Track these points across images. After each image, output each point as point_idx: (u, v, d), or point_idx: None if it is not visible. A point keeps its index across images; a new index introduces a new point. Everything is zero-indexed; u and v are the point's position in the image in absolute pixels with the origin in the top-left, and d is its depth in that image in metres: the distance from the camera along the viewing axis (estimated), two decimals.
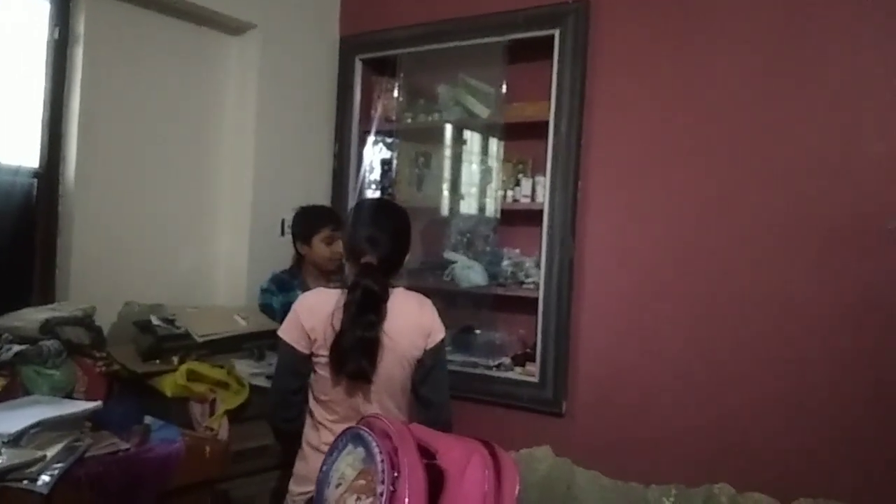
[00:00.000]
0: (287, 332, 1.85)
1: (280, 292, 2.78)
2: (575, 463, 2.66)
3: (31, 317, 2.17)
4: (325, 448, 1.68)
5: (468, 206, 3.14)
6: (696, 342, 2.49)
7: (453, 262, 2.98)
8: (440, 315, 1.93)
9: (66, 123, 2.54)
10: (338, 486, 1.50)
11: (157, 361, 2.35)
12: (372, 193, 3.30)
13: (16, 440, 1.74)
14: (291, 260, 2.93)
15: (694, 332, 2.49)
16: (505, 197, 2.95)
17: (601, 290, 2.68)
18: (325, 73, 3.28)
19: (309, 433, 1.89)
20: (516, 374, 2.81)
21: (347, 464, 1.52)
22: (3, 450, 1.70)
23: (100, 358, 2.25)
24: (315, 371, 1.85)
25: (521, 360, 2.83)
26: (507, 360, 2.87)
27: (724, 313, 2.45)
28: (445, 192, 3.18)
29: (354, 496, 1.44)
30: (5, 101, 2.44)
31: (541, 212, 2.74)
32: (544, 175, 2.75)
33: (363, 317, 1.76)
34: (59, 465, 1.74)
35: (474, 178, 3.14)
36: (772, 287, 2.37)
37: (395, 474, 1.40)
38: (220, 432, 2.23)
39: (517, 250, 2.95)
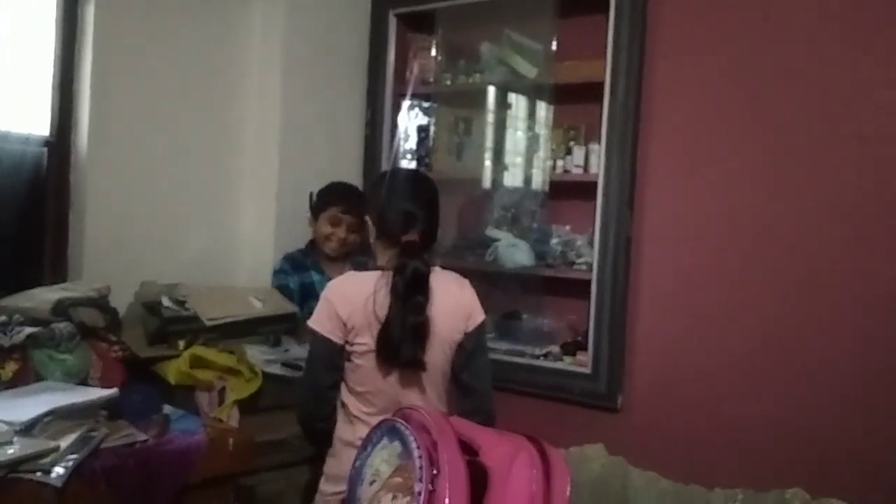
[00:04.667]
0: (320, 322, 1.85)
1: (294, 272, 2.82)
2: (630, 462, 2.65)
3: (43, 297, 2.22)
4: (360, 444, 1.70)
5: (513, 178, 3.12)
6: (767, 330, 2.44)
7: (496, 241, 2.96)
8: (481, 299, 1.94)
9: (77, 88, 2.58)
10: (372, 483, 1.51)
11: (166, 346, 2.39)
12: (407, 163, 3.30)
13: (28, 429, 1.78)
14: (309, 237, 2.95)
15: (764, 318, 2.45)
16: (554, 167, 2.92)
17: (661, 272, 2.65)
18: (356, 30, 3.27)
19: (342, 428, 1.90)
20: (566, 364, 2.80)
21: (382, 459, 1.53)
22: (16, 439, 1.75)
23: (115, 342, 2.29)
24: (350, 360, 1.87)
25: (572, 348, 2.81)
26: (555, 349, 2.86)
27: (798, 299, 2.40)
28: (488, 163, 3.16)
29: (390, 495, 1.44)
30: (14, 64, 2.48)
31: (594, 184, 2.71)
32: (598, 143, 2.71)
33: (412, 300, 1.77)
34: (74, 456, 1.78)
35: (520, 146, 3.12)
36: (852, 270, 2.32)
37: (435, 472, 1.40)
38: (230, 424, 2.25)
39: (567, 227, 2.93)
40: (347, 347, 1.85)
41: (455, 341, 1.88)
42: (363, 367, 1.85)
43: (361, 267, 2.19)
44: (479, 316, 1.92)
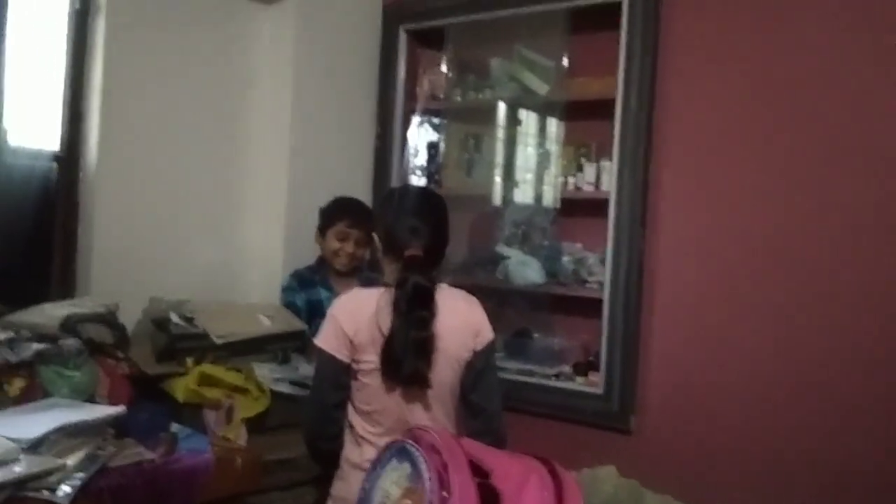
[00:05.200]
0: (326, 340, 1.85)
1: (302, 289, 2.83)
2: (644, 485, 2.62)
3: (51, 313, 2.22)
4: (368, 466, 1.68)
5: (523, 195, 3.12)
6: (783, 349, 2.43)
7: (506, 258, 2.96)
8: (490, 317, 1.94)
9: (86, 102, 2.60)
10: None
11: (174, 363, 2.39)
12: (417, 179, 3.31)
13: (35, 446, 1.78)
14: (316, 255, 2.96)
15: (780, 337, 2.44)
16: (565, 184, 2.92)
17: (675, 291, 2.64)
18: (367, 45, 3.29)
19: (349, 450, 1.90)
20: (578, 384, 2.79)
21: (392, 481, 1.52)
22: (22, 456, 1.74)
23: (123, 359, 2.29)
24: (357, 379, 1.86)
25: (584, 369, 2.81)
26: (567, 369, 2.85)
27: (813, 316, 2.39)
28: (498, 179, 3.16)
29: None
30: (24, 79, 2.50)
31: (606, 201, 2.71)
32: (610, 160, 2.71)
33: (414, 314, 1.77)
34: (81, 475, 1.78)
35: (531, 163, 3.12)
36: (871, 284, 2.31)
37: (445, 494, 1.40)
38: (238, 442, 2.24)
39: (579, 245, 2.93)
40: (354, 365, 1.85)
41: (463, 359, 1.87)
42: (369, 385, 1.84)
43: (369, 283, 2.19)
44: (489, 334, 1.91)
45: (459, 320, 1.87)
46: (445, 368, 1.84)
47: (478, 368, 1.89)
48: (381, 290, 1.85)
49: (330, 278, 2.84)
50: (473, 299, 1.95)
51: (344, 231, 2.77)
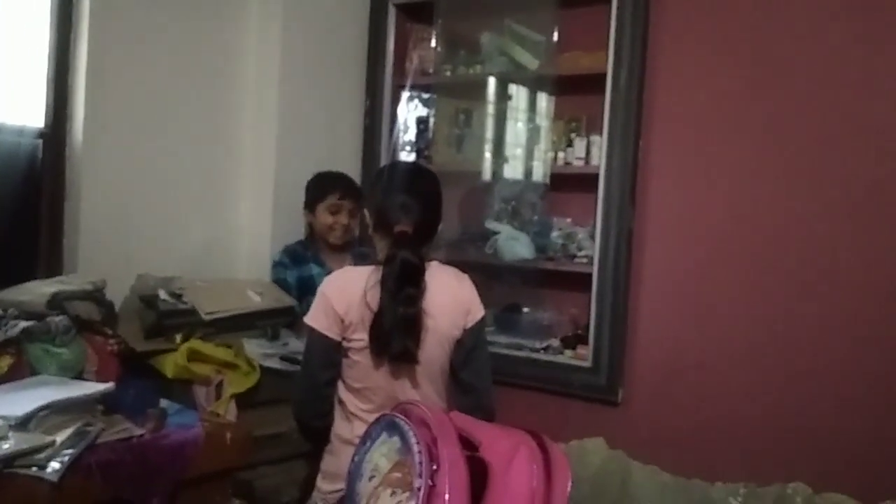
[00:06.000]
0: (316, 319, 1.84)
1: (294, 265, 2.82)
2: (631, 456, 2.65)
3: (38, 290, 2.21)
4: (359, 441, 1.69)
5: (513, 170, 3.11)
6: (769, 324, 2.45)
7: (496, 233, 2.96)
8: (481, 292, 1.93)
9: (72, 79, 2.57)
10: (371, 478, 1.51)
11: (163, 339, 2.39)
12: (406, 155, 3.29)
13: (23, 423, 1.78)
14: (304, 230, 2.95)
15: (767, 312, 2.45)
16: (555, 159, 2.91)
17: (663, 265, 2.64)
18: (355, 20, 3.26)
19: (339, 425, 1.89)
20: (566, 357, 2.80)
21: (381, 454, 1.53)
22: (11, 434, 1.74)
23: (111, 336, 2.29)
24: (347, 356, 1.86)
25: (572, 342, 2.81)
26: (556, 343, 2.86)
27: (800, 292, 2.40)
28: (488, 155, 3.15)
29: (389, 490, 1.44)
30: (8, 54, 2.47)
31: (596, 176, 2.70)
32: (600, 135, 2.70)
33: (402, 291, 1.76)
34: (70, 451, 1.78)
35: (521, 138, 3.11)
36: (857, 264, 2.32)
37: (434, 467, 1.40)
38: (227, 418, 2.25)
39: (568, 220, 2.92)
40: (345, 343, 1.84)
41: (454, 337, 1.87)
42: (360, 363, 1.83)
43: (361, 259, 2.18)
44: (479, 312, 1.90)
45: (450, 298, 1.86)
46: (435, 346, 1.84)
47: (468, 346, 1.88)
48: (372, 267, 1.84)
49: (321, 254, 2.83)
50: (465, 277, 1.94)
51: (336, 203, 2.76)
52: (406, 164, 2.34)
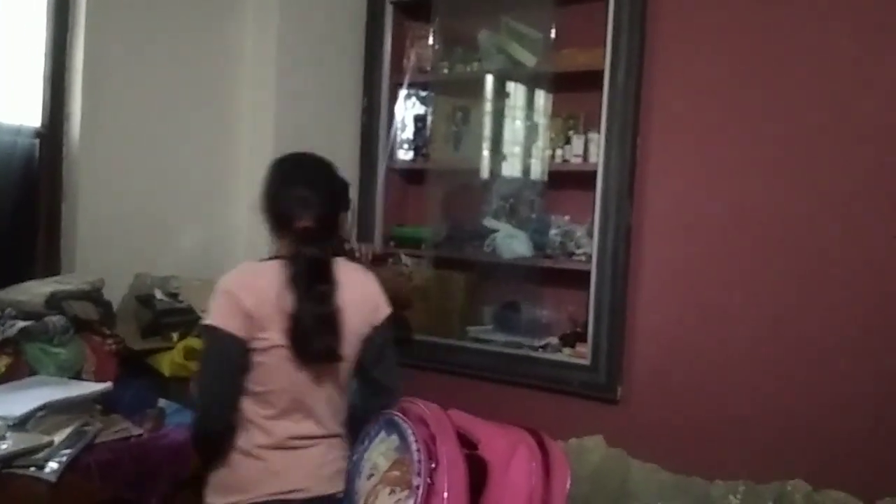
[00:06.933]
0: (223, 318, 1.66)
1: None
2: (630, 454, 2.65)
3: (36, 290, 2.21)
4: (257, 452, 1.63)
5: (511, 168, 3.11)
6: (768, 321, 2.44)
7: (494, 231, 2.96)
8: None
9: (69, 78, 2.56)
10: (370, 477, 1.51)
11: (160, 338, 2.39)
12: (405, 153, 3.30)
13: (21, 423, 1.78)
14: None
15: (765, 309, 2.45)
16: (553, 157, 2.91)
17: (662, 263, 2.64)
18: (353, 18, 3.25)
19: (236, 435, 1.71)
20: (565, 355, 2.80)
21: (380, 453, 1.53)
22: (9, 434, 1.74)
23: (109, 335, 2.28)
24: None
25: (571, 340, 2.81)
26: (554, 341, 2.86)
27: (799, 288, 2.40)
28: (486, 152, 3.14)
29: (388, 489, 1.45)
30: (5, 53, 2.46)
31: (594, 174, 2.70)
32: (598, 132, 2.70)
33: (314, 289, 1.67)
34: (68, 451, 1.78)
35: (518, 135, 3.11)
36: (856, 260, 2.32)
37: (433, 465, 1.40)
38: None
39: (566, 217, 2.92)
40: (250, 343, 1.68)
41: (363, 335, 1.77)
42: (265, 364, 1.68)
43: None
44: (386, 308, 1.83)
45: (359, 294, 1.78)
46: (348, 345, 1.73)
47: (378, 343, 1.80)
48: (277, 262, 1.72)
49: None
50: (370, 273, 1.87)
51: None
52: (298, 155, 2.20)
